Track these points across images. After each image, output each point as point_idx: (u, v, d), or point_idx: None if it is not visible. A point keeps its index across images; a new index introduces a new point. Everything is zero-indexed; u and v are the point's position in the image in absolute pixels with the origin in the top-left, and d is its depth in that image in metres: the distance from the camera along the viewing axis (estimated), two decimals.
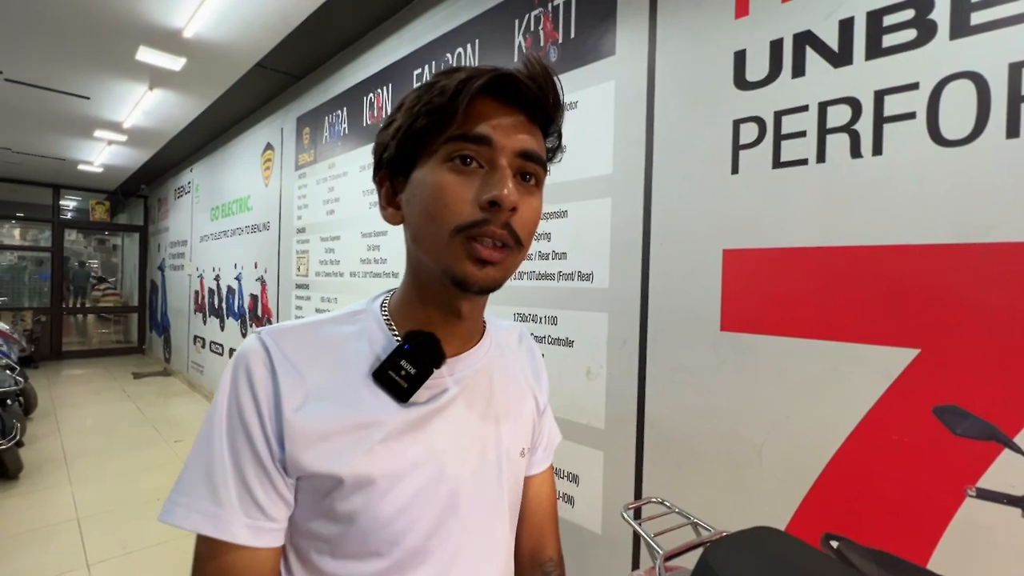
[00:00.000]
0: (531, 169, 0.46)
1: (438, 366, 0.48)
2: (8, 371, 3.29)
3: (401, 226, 0.50)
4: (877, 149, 1.03)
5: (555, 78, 0.45)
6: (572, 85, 1.62)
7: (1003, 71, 0.90)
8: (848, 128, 1.06)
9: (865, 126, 1.04)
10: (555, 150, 0.51)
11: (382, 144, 0.49)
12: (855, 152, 1.06)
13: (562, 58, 1.65)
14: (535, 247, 1.72)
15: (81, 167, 5.86)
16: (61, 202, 7.09)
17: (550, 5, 1.69)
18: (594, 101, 1.55)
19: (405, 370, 0.46)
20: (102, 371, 6.22)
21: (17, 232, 8.04)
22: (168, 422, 4.14)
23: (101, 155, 5.31)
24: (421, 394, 0.47)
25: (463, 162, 0.43)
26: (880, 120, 1.03)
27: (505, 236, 0.44)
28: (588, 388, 1.55)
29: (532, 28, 1.75)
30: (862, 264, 1.05)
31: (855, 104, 1.05)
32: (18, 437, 2.87)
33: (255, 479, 0.43)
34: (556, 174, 1.66)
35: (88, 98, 3.63)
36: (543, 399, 0.65)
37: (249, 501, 0.43)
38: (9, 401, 3.01)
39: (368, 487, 0.44)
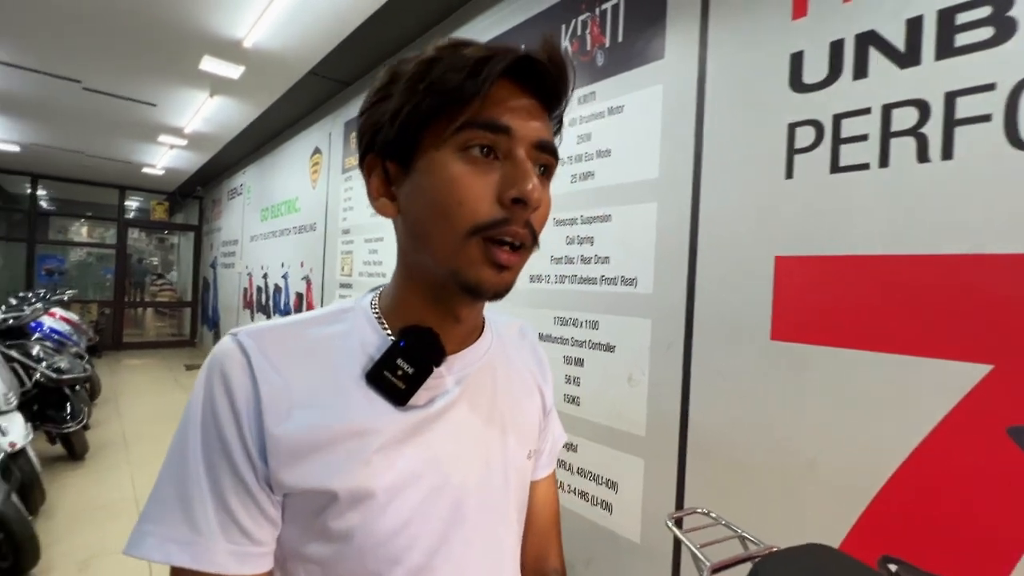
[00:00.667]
0: (546, 161, 0.42)
1: (438, 363, 0.43)
2: (79, 359, 3.54)
3: (391, 219, 0.45)
4: (947, 153, 0.98)
5: (570, 61, 0.41)
6: (618, 89, 1.61)
7: None
8: (915, 131, 1.02)
9: (934, 129, 0.99)
10: (556, 133, 0.46)
11: (374, 124, 0.42)
12: (922, 156, 1.01)
13: (609, 62, 1.65)
14: (576, 250, 1.72)
15: (145, 170, 6.25)
16: (126, 202, 7.58)
17: (598, 9, 1.69)
18: (641, 105, 1.54)
19: (402, 369, 0.41)
20: (158, 362, 6.60)
21: (85, 230, 8.65)
22: None
23: (163, 158, 5.65)
24: (420, 396, 0.42)
25: (481, 152, 0.39)
26: (951, 123, 0.97)
27: (526, 236, 0.40)
28: (629, 394, 1.53)
29: (579, 32, 1.76)
30: (929, 273, 1.00)
31: (923, 106, 1.01)
32: (85, 421, 3.08)
33: (236, 499, 0.37)
34: (600, 179, 1.66)
35: (155, 105, 3.88)
36: (550, 397, 0.60)
37: (231, 525, 0.37)
38: (78, 387, 3.24)
39: (365, 502, 0.39)
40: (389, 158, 0.42)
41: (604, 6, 1.67)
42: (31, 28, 2.69)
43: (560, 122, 0.46)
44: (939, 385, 0.98)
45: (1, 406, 2.23)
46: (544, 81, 0.41)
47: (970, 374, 0.94)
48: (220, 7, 2.39)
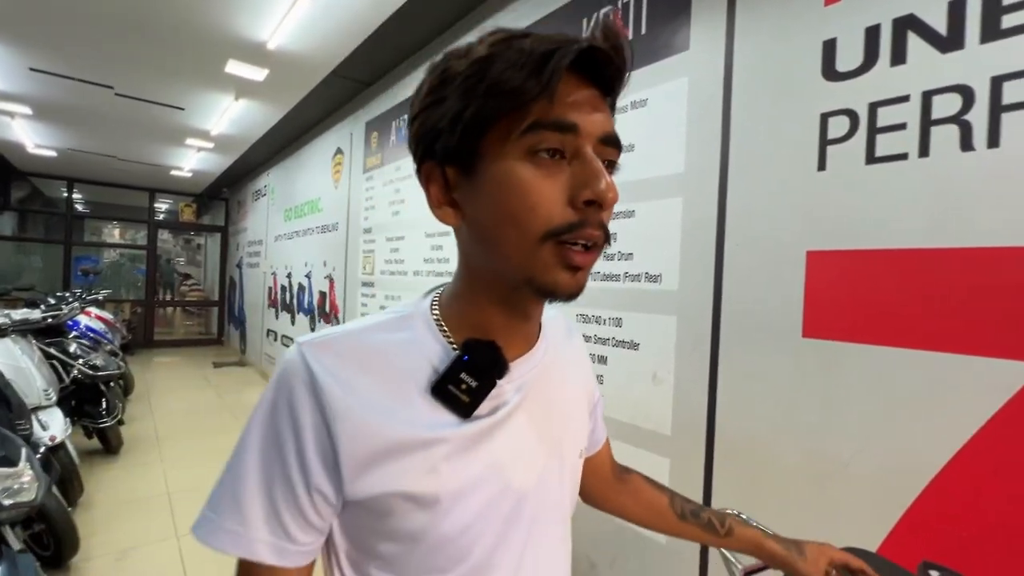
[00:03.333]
0: (611, 155, 0.40)
1: (501, 376, 0.44)
2: (113, 356, 3.66)
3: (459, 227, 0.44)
4: (993, 141, 0.93)
5: (630, 47, 0.40)
6: (642, 83, 1.58)
7: None
8: (958, 119, 0.97)
9: (979, 116, 0.95)
10: None
11: (429, 132, 0.41)
12: (966, 145, 0.96)
13: (632, 55, 1.62)
14: None
15: (173, 172, 6.43)
16: (155, 204, 7.81)
17: (620, 2, 1.66)
18: (665, 98, 1.51)
19: (466, 383, 0.42)
20: (187, 359, 6.79)
21: (117, 232, 8.95)
22: (244, 409, 4.44)
23: (190, 161, 5.80)
24: (483, 406, 0.43)
25: (549, 155, 0.37)
26: (997, 109, 0.93)
27: (600, 237, 0.39)
28: (654, 393, 1.51)
29: None
30: (973, 267, 0.95)
31: (967, 92, 0.96)
32: (120, 416, 3.19)
33: (282, 502, 0.40)
34: (624, 173, 1.63)
35: (183, 109, 3.98)
36: (594, 389, 0.63)
37: (276, 525, 0.40)
38: (113, 383, 3.35)
39: (433, 507, 0.41)
40: (449, 164, 0.41)
41: None
42: (65, 36, 2.78)
43: (614, 106, 0.44)
44: (985, 384, 0.93)
45: (41, 401, 2.32)
46: (606, 70, 0.39)
47: (1019, 372, 0.90)
48: (244, 11, 2.43)
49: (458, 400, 0.42)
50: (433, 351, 0.44)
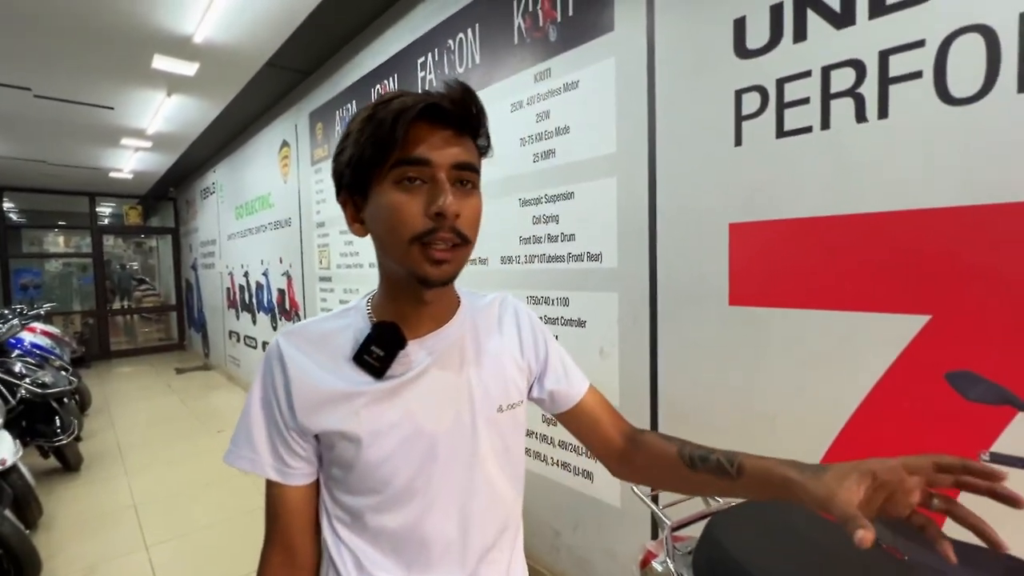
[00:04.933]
0: (466, 176, 0.54)
1: (401, 347, 0.58)
2: (62, 371, 3.52)
3: (367, 236, 0.59)
4: (883, 112, 1.00)
5: (473, 94, 0.53)
6: (573, 64, 1.60)
7: (1014, 22, 0.86)
8: (852, 92, 1.03)
9: (870, 89, 1.01)
10: (485, 148, 0.59)
11: (339, 171, 0.57)
12: (860, 116, 1.03)
13: (561, 38, 1.64)
14: (543, 229, 1.74)
15: (112, 174, 6.10)
16: (98, 209, 7.40)
17: None
18: (595, 79, 1.54)
19: (375, 353, 0.57)
20: (148, 368, 6.56)
21: (61, 239, 8.47)
22: (210, 414, 4.36)
23: (129, 162, 5.52)
24: (396, 368, 0.58)
25: (409, 182, 0.52)
26: (885, 82, 0.99)
27: (453, 238, 0.53)
28: (602, 367, 1.57)
29: (531, 8, 1.73)
30: (871, 232, 1.03)
31: (859, 66, 1.02)
32: (76, 432, 3.08)
33: (276, 437, 0.58)
34: (560, 156, 1.66)
35: (112, 108, 3.77)
36: (532, 355, 0.70)
37: (275, 452, 0.58)
38: (66, 399, 3.23)
39: (357, 442, 0.56)
40: (353, 193, 0.57)
41: None
42: None
43: (487, 136, 0.58)
44: (883, 338, 1.02)
45: None
46: (451, 116, 0.52)
47: (910, 325, 0.99)
48: (165, 4, 2.31)
49: (371, 365, 0.57)
50: (361, 332, 0.60)
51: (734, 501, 0.94)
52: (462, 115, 0.53)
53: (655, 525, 1.46)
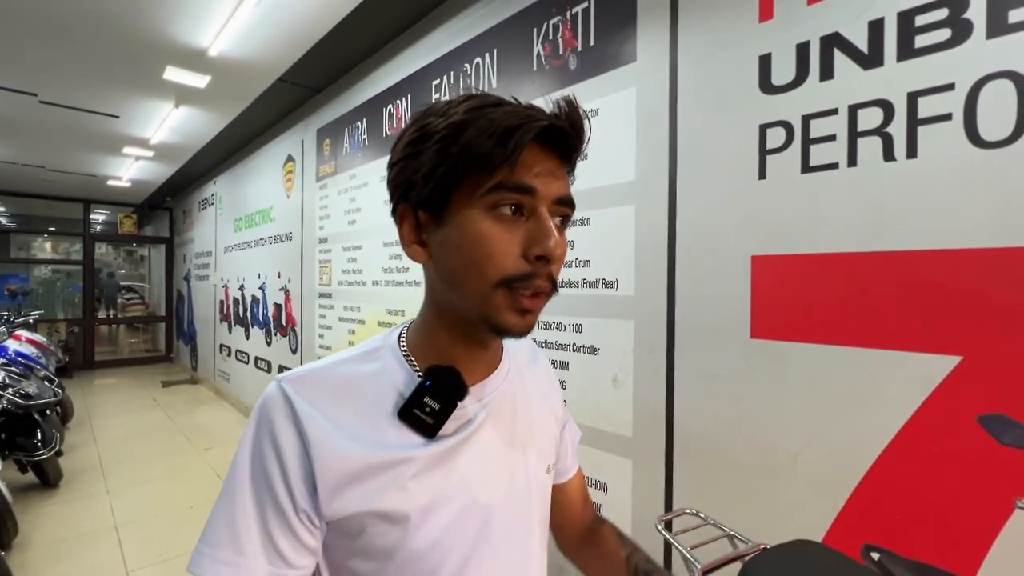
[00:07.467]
0: (565, 212, 0.46)
1: (461, 399, 0.47)
2: (47, 382, 3.41)
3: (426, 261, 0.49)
4: (912, 152, 1.01)
5: (586, 118, 0.45)
6: (592, 92, 1.62)
7: None
8: (880, 131, 1.04)
9: (898, 129, 1.02)
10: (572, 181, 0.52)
11: (406, 180, 0.46)
12: (888, 155, 1.03)
13: (582, 65, 1.65)
14: None
15: (110, 182, 6.04)
16: (91, 216, 7.32)
17: (569, 13, 1.69)
18: (615, 108, 1.55)
19: (429, 406, 0.46)
20: (132, 380, 6.40)
21: (49, 246, 8.33)
22: (197, 430, 4.23)
23: (129, 170, 5.48)
24: (448, 426, 0.47)
25: (510, 211, 0.43)
26: (914, 122, 1.00)
27: (547, 286, 0.44)
28: (614, 396, 1.54)
29: (551, 36, 1.76)
30: (899, 269, 1.02)
31: (887, 107, 1.03)
32: (58, 447, 2.97)
33: (277, 528, 0.43)
34: (579, 182, 1.66)
35: (118, 117, 3.75)
36: (561, 410, 0.65)
37: (272, 550, 0.43)
38: (48, 412, 3.12)
39: (403, 523, 0.44)
40: (419, 208, 0.46)
41: (575, 9, 1.67)
42: None
43: (574, 167, 0.49)
44: (912, 377, 1.01)
45: None
46: (566, 144, 0.45)
47: (940, 365, 0.97)
48: (182, 17, 2.32)
49: (423, 422, 0.46)
50: (400, 379, 0.48)
51: (764, 543, 0.91)
52: (577, 146, 0.45)
53: (668, 566, 1.41)
